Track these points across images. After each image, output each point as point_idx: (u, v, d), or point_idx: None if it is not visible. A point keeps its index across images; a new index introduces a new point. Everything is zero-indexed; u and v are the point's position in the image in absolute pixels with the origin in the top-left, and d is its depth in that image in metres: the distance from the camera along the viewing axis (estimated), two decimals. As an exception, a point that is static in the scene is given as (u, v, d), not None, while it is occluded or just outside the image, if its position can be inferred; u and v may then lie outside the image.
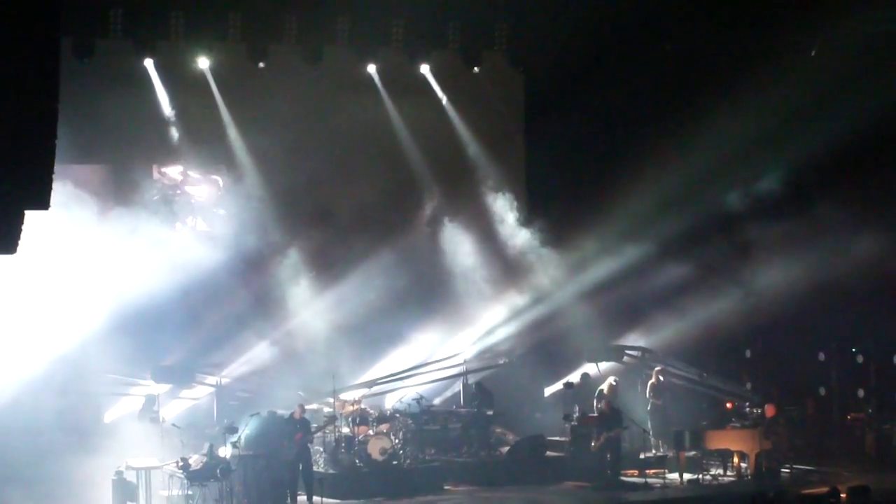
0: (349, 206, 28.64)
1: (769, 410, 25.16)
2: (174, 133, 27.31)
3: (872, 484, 20.82)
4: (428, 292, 28.81)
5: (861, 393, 28.35)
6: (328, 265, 28.17)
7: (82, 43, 25.69)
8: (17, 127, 8.81)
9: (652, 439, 26.39)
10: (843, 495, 19.02)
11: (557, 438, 26.41)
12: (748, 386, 28.20)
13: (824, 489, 20.52)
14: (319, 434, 23.99)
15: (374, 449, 23.90)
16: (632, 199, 28.21)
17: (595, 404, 25.73)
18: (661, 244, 28.14)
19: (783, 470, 24.78)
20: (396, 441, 24.50)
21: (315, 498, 22.35)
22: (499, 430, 26.95)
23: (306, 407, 23.89)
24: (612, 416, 24.87)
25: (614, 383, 26.22)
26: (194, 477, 21.33)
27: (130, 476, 21.98)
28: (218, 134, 27.78)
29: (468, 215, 29.09)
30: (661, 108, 28.23)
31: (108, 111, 26.01)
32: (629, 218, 28.26)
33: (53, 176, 9.36)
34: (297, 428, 22.70)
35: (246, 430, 22.79)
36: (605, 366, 28.18)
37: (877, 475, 24.35)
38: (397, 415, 25.47)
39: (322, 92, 28.40)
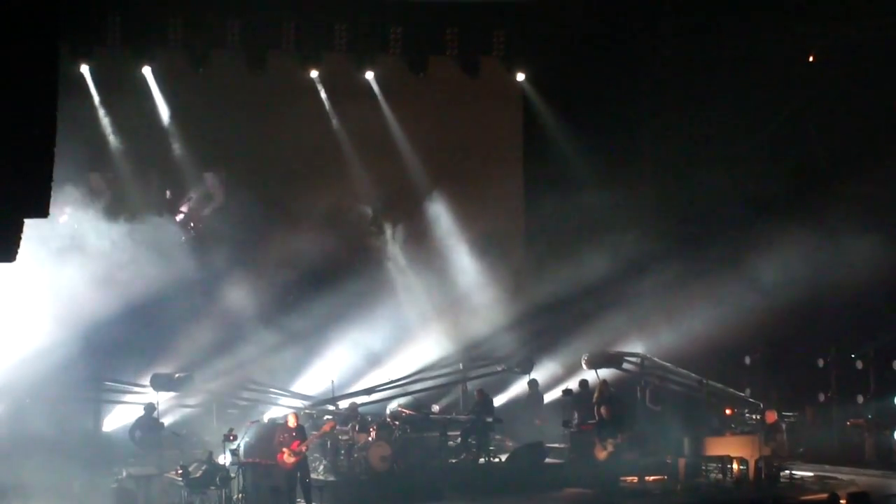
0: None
1: (769, 417, 25.14)
2: None
3: (872, 490, 20.81)
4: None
5: (860, 399, 28.33)
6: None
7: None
8: (16, 135, 8.79)
9: (651, 445, 26.35)
10: (842, 501, 18.97)
11: (557, 445, 26.39)
12: (748, 392, 28.17)
13: (824, 495, 20.51)
14: (319, 441, 23.94)
15: (374, 456, 23.86)
16: (632, 204, 28.28)
17: (595, 410, 25.75)
18: (660, 249, 28.17)
19: (783, 476, 24.75)
20: (396, 448, 24.46)
21: (316, 504, 22.32)
22: (498, 436, 26.92)
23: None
24: (613, 422, 24.85)
25: (603, 384, 26.34)
26: (194, 485, 21.30)
27: (130, 484, 21.95)
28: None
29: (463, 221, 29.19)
30: (660, 113, 28.27)
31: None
32: (628, 223, 28.32)
33: (52, 184, 9.34)
34: (294, 436, 22.63)
35: (245, 437, 22.77)
36: (603, 372, 28.17)
37: (876, 481, 24.34)
38: (397, 422, 25.43)
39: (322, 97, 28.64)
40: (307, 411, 25.63)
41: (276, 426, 23.38)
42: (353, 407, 25.60)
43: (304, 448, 22.23)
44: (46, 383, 24.64)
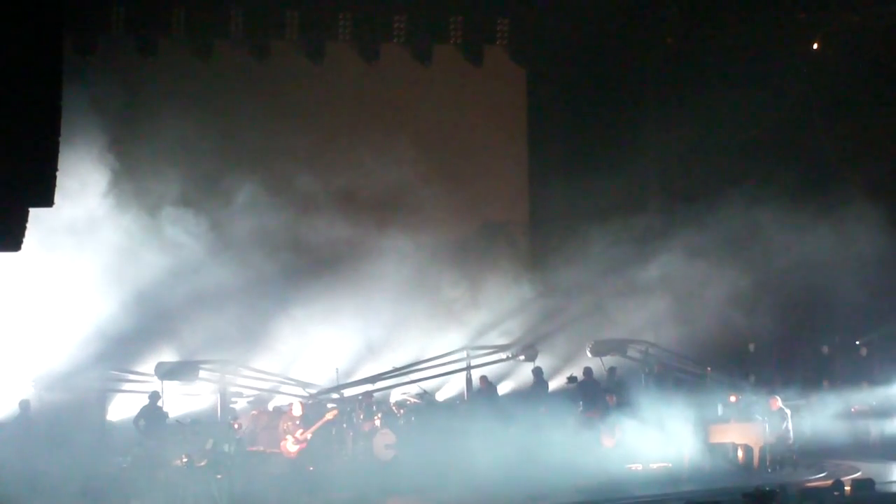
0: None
1: (773, 404, 25.17)
2: None
3: (876, 476, 20.85)
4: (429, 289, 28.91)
5: (865, 386, 28.33)
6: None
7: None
8: (21, 125, 8.80)
9: (656, 433, 26.36)
10: (847, 488, 19.04)
11: (560, 433, 26.38)
12: (752, 379, 28.18)
13: (828, 482, 20.55)
14: (323, 429, 23.97)
15: (379, 444, 23.90)
16: (635, 193, 28.26)
17: (600, 398, 25.79)
18: (665, 236, 28.20)
19: (787, 463, 24.77)
20: (400, 436, 24.48)
21: (318, 492, 22.34)
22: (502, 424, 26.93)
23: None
24: (618, 409, 24.89)
25: (608, 372, 26.38)
26: (198, 473, 21.33)
27: (134, 473, 21.98)
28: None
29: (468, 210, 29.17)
30: (664, 102, 28.26)
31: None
32: (632, 211, 28.32)
33: (57, 173, 9.35)
34: (298, 424, 22.66)
35: (249, 426, 22.80)
36: (608, 360, 28.20)
37: (880, 468, 24.36)
38: (401, 410, 25.45)
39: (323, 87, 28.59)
40: (312, 401, 25.66)
41: (280, 415, 23.43)
42: (368, 394, 25.58)
43: (306, 436, 22.28)
44: (54, 372, 24.72)
